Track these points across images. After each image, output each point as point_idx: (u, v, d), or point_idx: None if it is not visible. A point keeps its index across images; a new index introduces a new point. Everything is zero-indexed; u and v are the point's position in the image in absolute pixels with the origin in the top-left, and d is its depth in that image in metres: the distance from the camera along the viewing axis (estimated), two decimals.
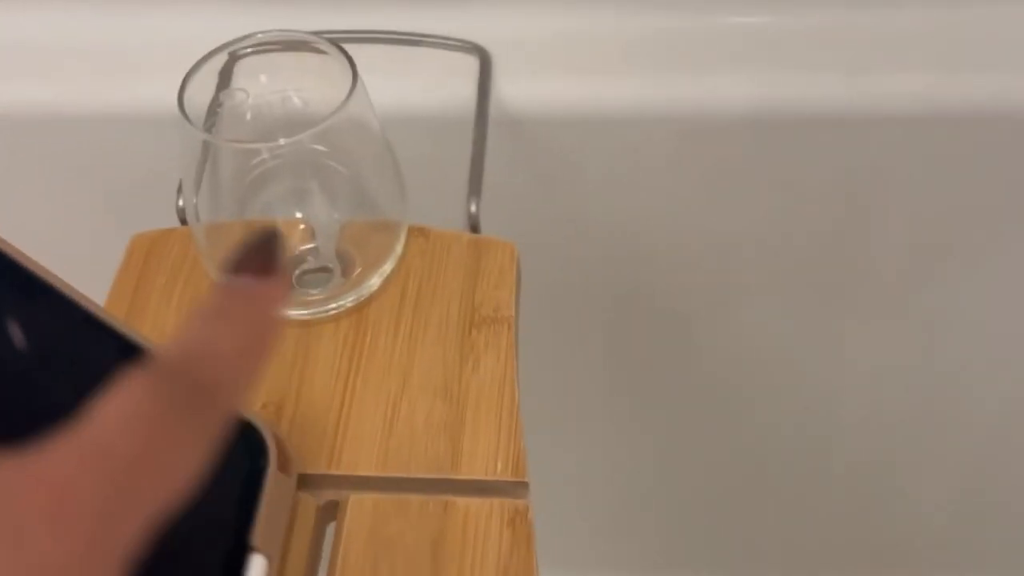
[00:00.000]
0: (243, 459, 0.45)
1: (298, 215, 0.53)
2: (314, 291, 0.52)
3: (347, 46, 0.48)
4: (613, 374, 0.77)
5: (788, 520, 0.87)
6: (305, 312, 0.51)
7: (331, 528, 0.47)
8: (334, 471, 0.47)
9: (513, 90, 0.61)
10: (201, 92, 0.49)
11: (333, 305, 0.51)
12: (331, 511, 0.47)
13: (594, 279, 0.69)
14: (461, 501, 0.45)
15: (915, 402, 0.78)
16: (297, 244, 0.53)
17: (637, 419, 0.81)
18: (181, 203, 0.56)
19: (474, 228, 0.55)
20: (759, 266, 0.69)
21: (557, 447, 0.68)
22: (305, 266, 0.53)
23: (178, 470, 0.26)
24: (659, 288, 0.69)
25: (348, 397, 0.49)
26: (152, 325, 0.51)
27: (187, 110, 0.46)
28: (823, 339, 0.74)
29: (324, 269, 0.53)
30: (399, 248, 0.52)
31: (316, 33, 0.49)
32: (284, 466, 0.45)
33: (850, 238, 0.66)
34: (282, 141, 0.45)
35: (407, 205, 0.52)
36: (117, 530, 0.23)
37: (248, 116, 0.51)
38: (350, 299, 0.51)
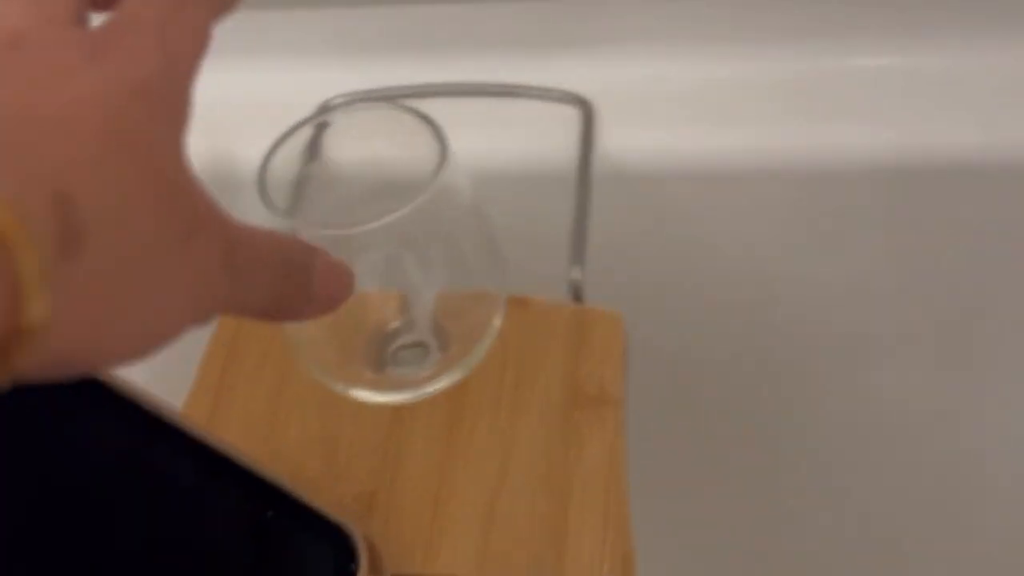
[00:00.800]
0: (331, 564, 0.42)
1: (390, 287, 0.50)
2: (410, 368, 0.49)
3: (441, 100, 0.45)
4: (726, 446, 0.72)
5: None
6: (403, 396, 0.48)
7: None
8: (429, 571, 0.44)
9: (618, 143, 0.57)
10: (285, 164, 0.46)
11: (430, 388, 0.48)
12: None
13: (707, 343, 0.65)
14: None
15: None
16: (391, 319, 0.50)
17: (749, 494, 0.76)
18: None
19: (577, 296, 0.52)
20: (888, 326, 0.63)
21: (660, 523, 0.64)
22: (401, 341, 0.50)
23: None
24: (779, 353, 0.65)
25: (445, 488, 0.46)
26: (241, 412, 0.49)
27: (268, 190, 0.43)
28: (961, 402, 0.68)
29: (419, 344, 0.50)
30: (497, 321, 0.49)
31: (411, 87, 0.47)
32: (376, 570, 0.42)
33: (990, 294, 0.61)
34: (372, 225, 0.42)
35: (505, 275, 0.49)
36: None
37: (334, 186, 0.49)
38: (449, 378, 0.48)
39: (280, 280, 0.29)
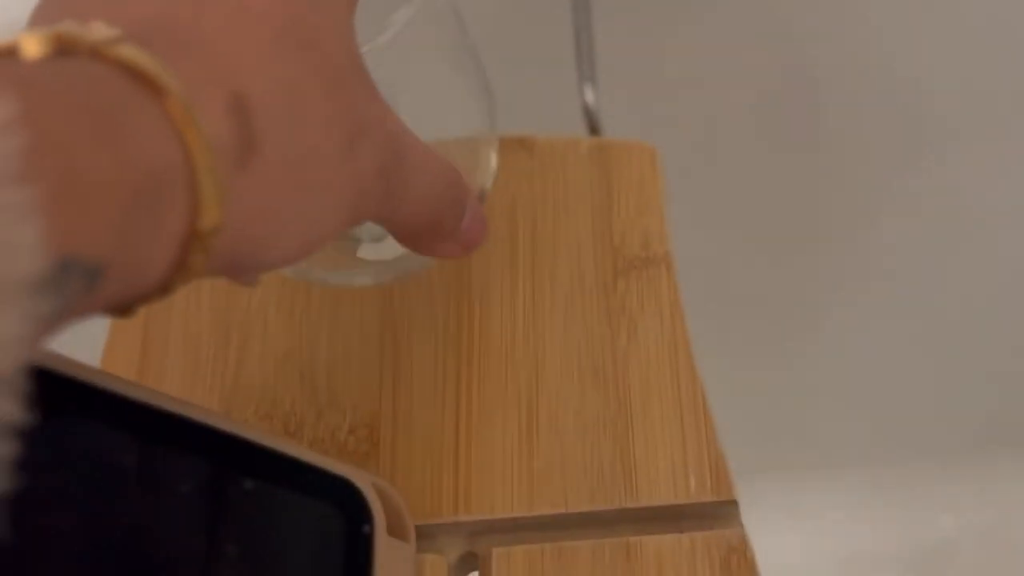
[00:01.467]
0: (340, 528, 0.32)
1: None
2: (381, 245, 0.37)
3: None
4: (770, 263, 0.62)
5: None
6: (379, 274, 0.36)
7: None
8: (464, 516, 0.33)
9: None
10: None
11: (412, 263, 0.36)
12: (469, 565, 0.34)
13: (749, 150, 0.53)
14: (649, 541, 0.32)
15: None
16: None
17: (808, 307, 0.67)
18: None
19: (593, 127, 0.40)
20: (961, 111, 0.52)
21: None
22: None
23: None
24: (835, 140, 0.53)
25: (465, 403, 0.35)
26: (182, 343, 0.38)
27: None
28: None
29: None
30: (492, 164, 0.37)
31: None
32: (396, 527, 0.32)
33: None
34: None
35: (495, 110, 0.37)
36: None
37: None
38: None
39: (435, 205, 0.28)
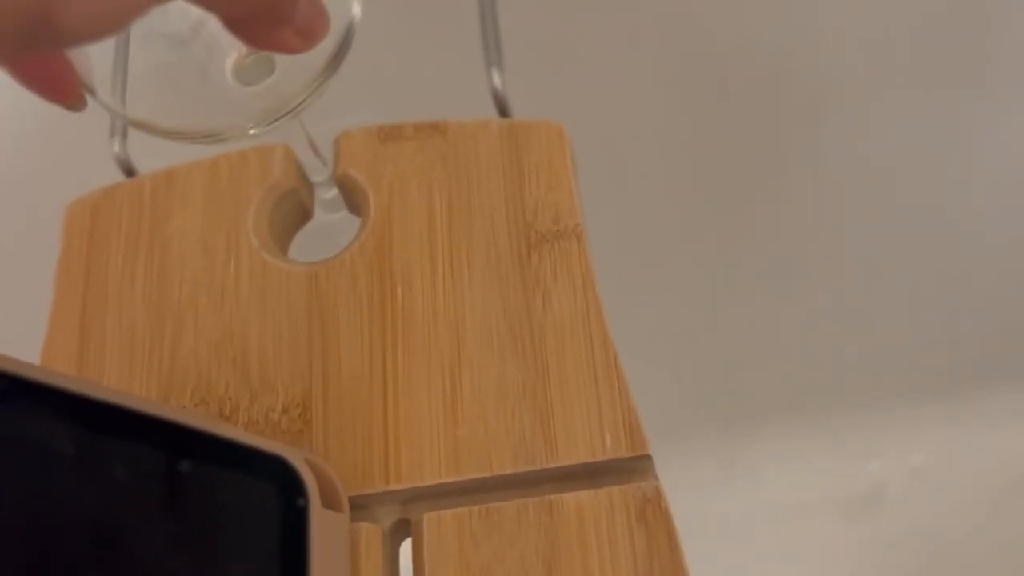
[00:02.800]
0: (275, 503, 0.34)
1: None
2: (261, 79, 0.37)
3: None
4: (691, 227, 0.64)
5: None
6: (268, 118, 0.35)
7: (406, 548, 0.36)
8: (395, 485, 0.35)
9: None
10: None
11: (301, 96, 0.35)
12: (403, 531, 0.36)
13: (659, 121, 0.55)
14: (569, 498, 0.34)
15: None
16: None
17: (730, 266, 0.69)
18: (118, 148, 0.43)
19: (502, 110, 0.42)
20: (864, 65, 0.54)
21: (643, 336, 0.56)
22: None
23: None
24: (745, 111, 0.55)
25: (392, 379, 0.37)
26: (117, 336, 0.39)
27: None
28: (949, 138, 0.60)
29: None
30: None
31: None
32: (330, 499, 0.34)
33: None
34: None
35: None
36: None
37: None
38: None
39: None
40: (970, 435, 0.78)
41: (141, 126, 0.35)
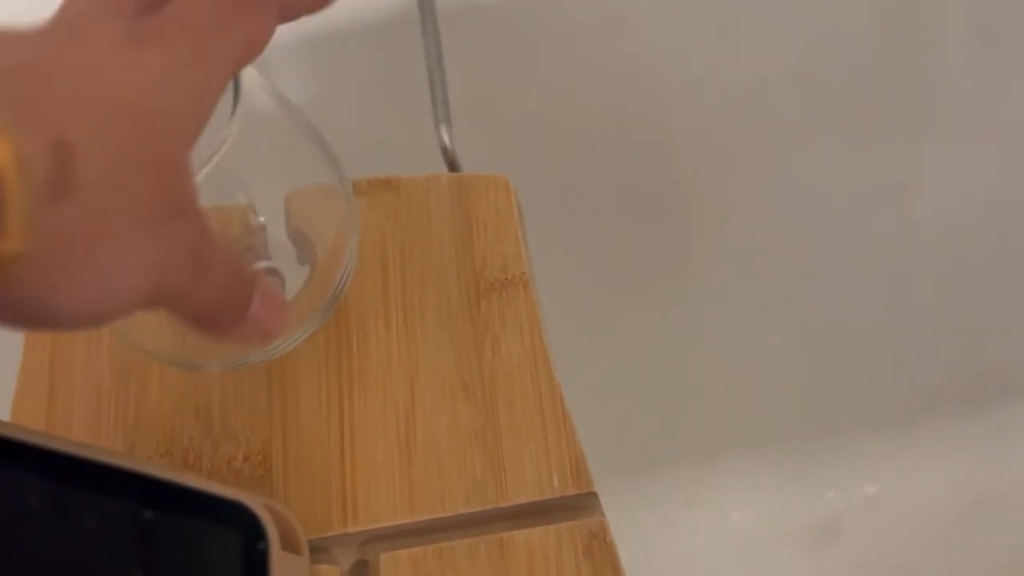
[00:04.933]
0: (237, 548, 0.35)
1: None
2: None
3: None
4: (642, 271, 0.66)
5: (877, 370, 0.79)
6: (270, 350, 0.39)
7: None
8: (352, 527, 0.37)
9: None
10: None
11: (300, 332, 0.38)
12: (360, 572, 0.37)
13: (604, 170, 0.58)
14: (520, 535, 0.36)
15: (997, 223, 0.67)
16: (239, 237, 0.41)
17: (682, 306, 0.71)
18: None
19: (452, 165, 0.44)
20: (797, 108, 0.57)
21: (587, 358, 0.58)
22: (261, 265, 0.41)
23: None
24: (684, 162, 0.58)
25: (348, 425, 0.38)
26: (84, 392, 0.40)
27: None
28: (889, 175, 0.63)
29: (272, 272, 0.41)
30: (355, 220, 0.40)
31: None
32: (290, 543, 0.36)
33: (899, 47, 0.54)
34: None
35: (339, 164, 0.39)
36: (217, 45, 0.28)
37: None
38: (316, 322, 0.39)
39: (228, 285, 0.29)
40: (922, 465, 0.80)
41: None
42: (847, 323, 0.77)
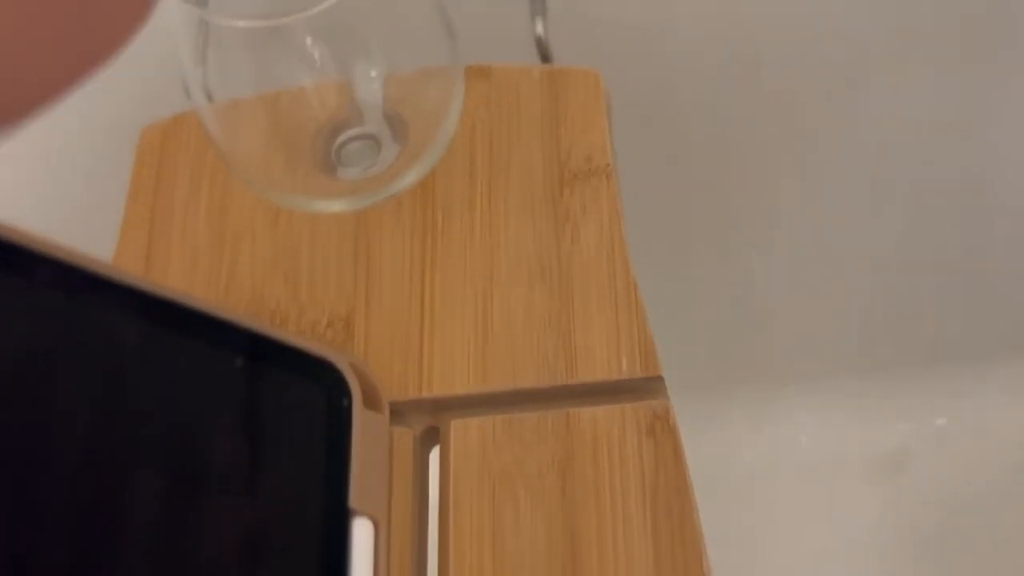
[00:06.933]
0: (322, 402, 0.37)
1: (327, 78, 0.43)
2: (364, 166, 0.42)
3: None
4: (722, 197, 0.67)
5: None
6: (363, 199, 0.41)
7: (434, 456, 0.39)
8: (427, 394, 0.39)
9: None
10: None
11: (395, 186, 0.41)
12: (432, 439, 0.39)
13: (691, 88, 0.58)
14: (586, 412, 0.37)
15: None
16: (334, 112, 0.43)
17: (752, 244, 0.71)
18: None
19: (544, 56, 0.45)
20: (883, 40, 0.57)
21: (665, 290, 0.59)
22: (348, 134, 0.43)
23: None
24: (769, 90, 0.58)
25: (429, 299, 0.40)
26: (181, 248, 0.43)
27: None
28: (967, 116, 0.62)
29: (369, 137, 0.43)
30: (458, 99, 0.42)
31: None
32: (371, 400, 0.37)
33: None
34: (296, 17, 0.35)
35: (458, 45, 0.42)
36: None
37: None
38: (412, 175, 0.41)
39: None
40: (992, 402, 0.80)
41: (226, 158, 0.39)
42: (922, 259, 0.77)
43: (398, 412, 0.39)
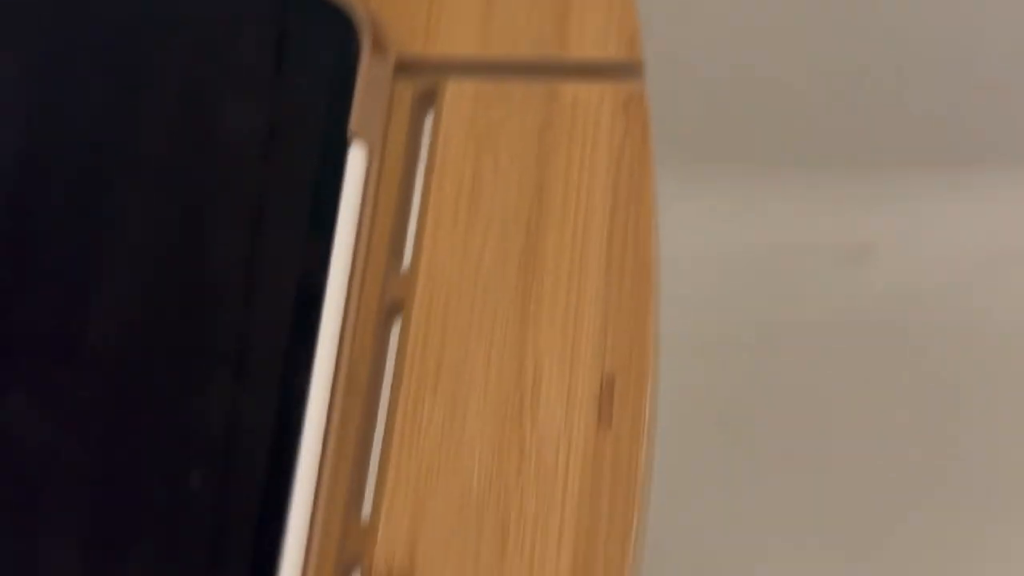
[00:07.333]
0: (335, 42, 0.41)
1: None
2: None
3: None
4: None
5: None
6: None
7: (428, 119, 0.43)
8: (430, 51, 0.42)
9: None
10: None
11: None
12: (428, 101, 0.43)
13: None
14: (569, 87, 0.41)
15: None
16: None
17: None
18: None
19: None
20: None
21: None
22: None
23: None
24: None
25: None
26: None
27: None
28: None
29: None
30: None
31: None
32: (379, 45, 0.41)
33: None
34: None
35: None
36: None
37: None
38: None
39: None
40: (962, 207, 0.84)
41: None
42: (909, 57, 0.79)
43: (401, 68, 0.42)
